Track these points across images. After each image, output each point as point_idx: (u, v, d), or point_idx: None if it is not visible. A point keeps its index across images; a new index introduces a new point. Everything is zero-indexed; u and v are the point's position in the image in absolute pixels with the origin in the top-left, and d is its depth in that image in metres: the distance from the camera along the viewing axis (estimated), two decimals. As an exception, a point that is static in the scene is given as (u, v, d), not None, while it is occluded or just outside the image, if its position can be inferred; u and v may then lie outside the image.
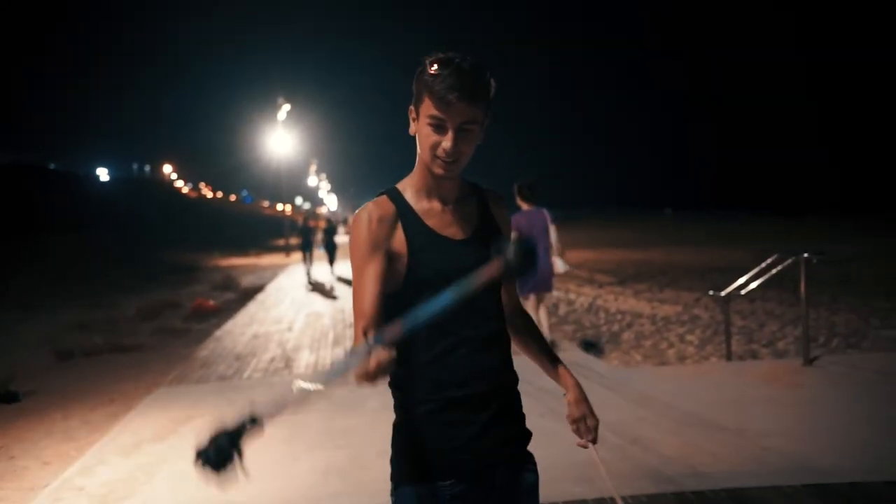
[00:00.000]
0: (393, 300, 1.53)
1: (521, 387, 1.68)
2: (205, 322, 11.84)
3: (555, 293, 14.00)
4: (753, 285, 6.76)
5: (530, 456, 1.68)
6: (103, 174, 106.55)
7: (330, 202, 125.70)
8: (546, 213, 6.82)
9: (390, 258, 1.54)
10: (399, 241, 1.54)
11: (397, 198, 1.59)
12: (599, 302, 12.47)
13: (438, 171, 1.54)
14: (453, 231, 1.58)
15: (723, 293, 6.75)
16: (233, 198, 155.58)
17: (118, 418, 5.64)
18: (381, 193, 1.61)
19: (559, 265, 6.87)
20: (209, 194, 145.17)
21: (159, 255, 31.12)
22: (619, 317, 10.69)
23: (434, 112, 1.48)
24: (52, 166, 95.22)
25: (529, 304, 7.02)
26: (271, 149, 34.69)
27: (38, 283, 17.82)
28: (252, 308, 12.88)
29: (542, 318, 7.13)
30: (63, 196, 55.42)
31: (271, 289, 16.73)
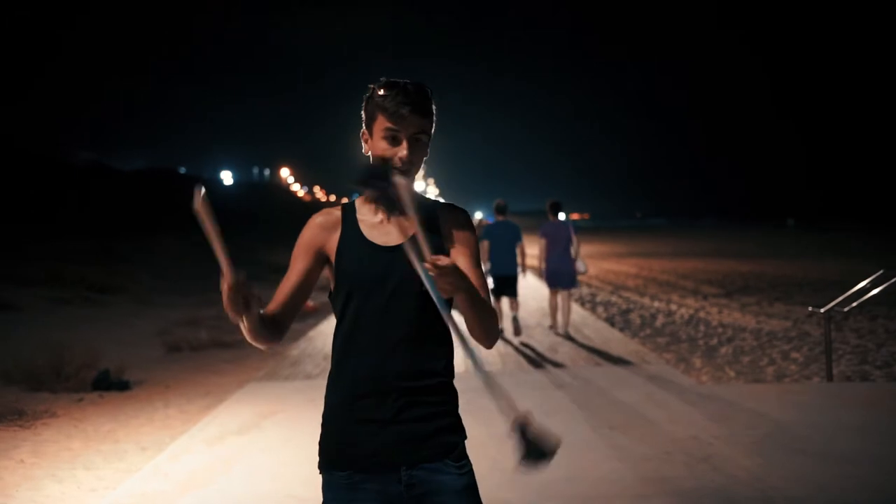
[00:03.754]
0: (331, 297, 1.72)
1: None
2: (303, 321, 12.31)
3: (646, 300, 13.71)
4: (857, 302, 6.31)
5: (457, 458, 1.67)
6: (227, 177, 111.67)
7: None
8: (570, 225, 8.82)
9: (325, 260, 1.74)
10: (332, 244, 1.72)
11: (347, 207, 1.78)
12: (701, 314, 12.01)
13: None
14: (385, 239, 1.70)
15: (822, 309, 6.34)
16: (344, 201, 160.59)
17: (210, 410, 5.98)
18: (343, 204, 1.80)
19: (580, 266, 8.76)
20: (323, 198, 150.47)
21: (271, 256, 32.64)
22: (719, 330, 10.25)
23: (389, 125, 1.65)
24: (182, 170, 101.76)
25: (553, 297, 9.00)
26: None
27: (159, 280, 19.08)
28: (349, 309, 13.25)
29: (564, 309, 8.85)
30: (188, 198, 59.19)
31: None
